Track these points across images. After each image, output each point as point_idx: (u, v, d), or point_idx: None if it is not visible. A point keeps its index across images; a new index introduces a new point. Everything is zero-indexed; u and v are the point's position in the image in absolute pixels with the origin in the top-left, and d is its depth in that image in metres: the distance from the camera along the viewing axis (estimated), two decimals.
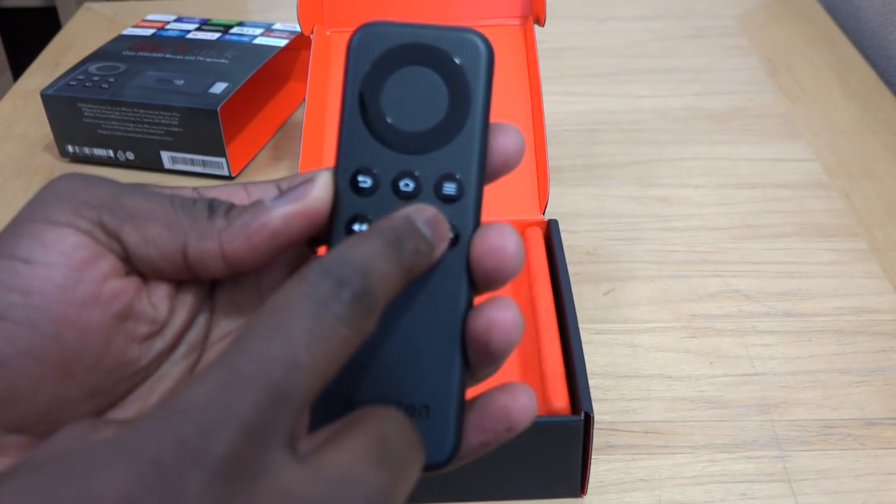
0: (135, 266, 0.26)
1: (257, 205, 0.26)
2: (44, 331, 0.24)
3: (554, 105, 0.80)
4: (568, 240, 0.64)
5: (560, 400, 0.45)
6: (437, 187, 0.26)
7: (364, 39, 0.27)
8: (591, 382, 0.53)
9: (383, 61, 0.26)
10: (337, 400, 0.26)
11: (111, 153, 0.74)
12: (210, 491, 0.18)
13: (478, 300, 0.27)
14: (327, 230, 0.26)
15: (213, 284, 0.28)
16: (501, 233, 0.26)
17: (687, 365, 0.55)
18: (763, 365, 0.55)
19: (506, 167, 0.27)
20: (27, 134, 0.81)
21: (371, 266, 0.22)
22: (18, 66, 1.22)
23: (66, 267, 0.24)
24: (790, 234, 0.65)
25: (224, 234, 0.26)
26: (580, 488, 0.47)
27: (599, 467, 0.49)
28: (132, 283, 0.26)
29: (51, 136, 0.77)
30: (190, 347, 0.28)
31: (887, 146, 0.75)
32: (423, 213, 0.25)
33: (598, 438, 0.50)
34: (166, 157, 0.73)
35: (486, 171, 0.27)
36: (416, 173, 0.26)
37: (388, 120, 0.26)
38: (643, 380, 0.54)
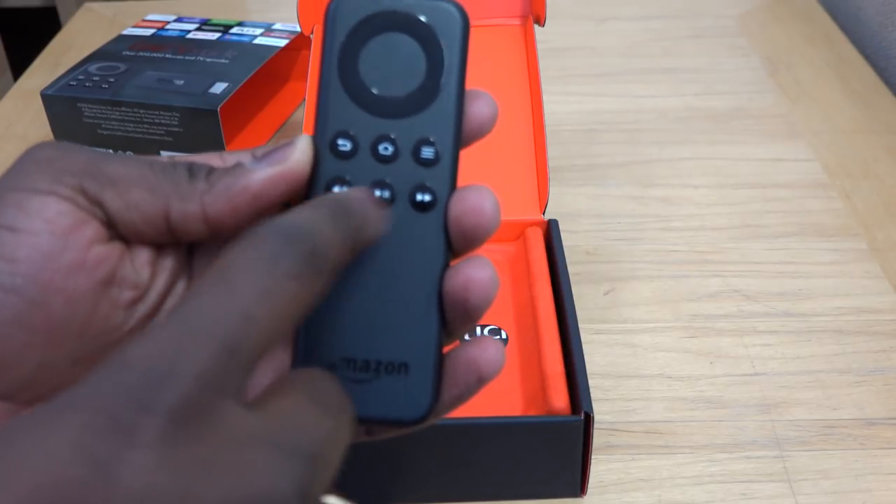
0: (117, 231, 0.26)
1: (238, 167, 0.26)
2: (31, 298, 0.24)
3: (554, 105, 0.80)
4: (568, 240, 0.64)
5: (560, 400, 0.45)
6: (415, 151, 0.26)
7: (342, 7, 0.27)
8: (591, 382, 0.53)
9: (360, 28, 0.27)
10: (317, 358, 0.26)
11: (111, 153, 0.74)
12: (163, 436, 0.18)
13: (456, 263, 0.27)
14: (307, 192, 0.27)
15: (190, 249, 0.29)
16: (479, 193, 0.27)
17: (687, 365, 0.55)
18: (763, 365, 0.55)
19: (479, 132, 0.28)
20: (27, 134, 0.81)
21: (319, 230, 0.23)
22: (18, 66, 1.22)
23: (51, 234, 0.24)
24: (790, 234, 0.65)
25: (206, 196, 0.26)
26: (580, 488, 0.47)
27: (599, 467, 0.49)
28: (116, 248, 0.26)
29: (51, 136, 0.77)
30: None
31: (887, 146, 0.75)
32: (362, 194, 0.26)
33: (598, 438, 0.50)
34: (167, 157, 0.73)
35: (462, 136, 0.27)
36: (394, 137, 0.27)
37: (367, 85, 0.27)
38: (643, 380, 0.54)
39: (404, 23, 0.27)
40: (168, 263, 0.28)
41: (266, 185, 0.26)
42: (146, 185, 0.26)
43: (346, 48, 0.27)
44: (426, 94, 0.26)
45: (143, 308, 0.27)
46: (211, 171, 0.26)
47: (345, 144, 0.27)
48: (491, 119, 0.28)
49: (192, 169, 0.27)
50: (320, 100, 0.27)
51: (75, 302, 0.25)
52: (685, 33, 0.93)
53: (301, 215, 0.24)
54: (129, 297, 0.27)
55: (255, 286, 0.21)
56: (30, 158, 0.25)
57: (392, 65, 0.27)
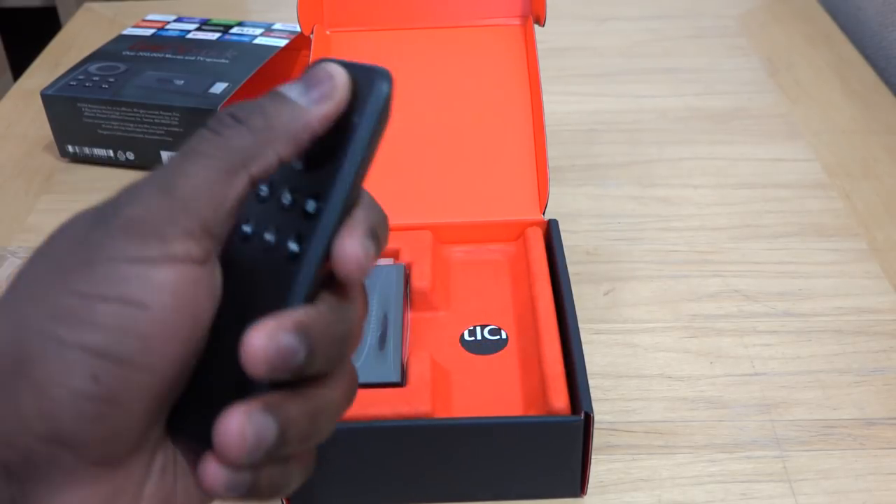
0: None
1: (290, 104, 0.27)
2: (160, 373, 0.25)
3: (554, 105, 0.80)
4: (568, 240, 0.64)
5: (560, 400, 0.45)
6: (303, 202, 0.27)
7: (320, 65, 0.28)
8: (591, 382, 0.53)
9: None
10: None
11: (111, 153, 0.74)
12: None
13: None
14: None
15: None
16: (353, 245, 0.27)
17: (687, 365, 0.55)
18: (763, 365, 0.55)
19: (344, 276, 0.27)
20: (27, 134, 0.81)
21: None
22: (18, 66, 1.22)
23: (177, 309, 0.25)
24: (790, 234, 0.65)
25: (268, 132, 0.26)
26: (580, 488, 0.47)
27: (599, 467, 0.49)
28: (218, 283, 0.27)
29: (51, 136, 0.77)
30: None
31: (887, 146, 0.75)
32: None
33: (598, 438, 0.50)
34: (166, 157, 0.73)
35: (350, 209, 0.28)
36: (297, 188, 0.28)
37: None
38: (643, 380, 0.54)
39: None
40: None
41: (323, 121, 0.27)
42: (222, 185, 0.26)
43: None
44: (334, 152, 0.27)
45: None
46: (256, 112, 0.27)
47: (263, 190, 0.28)
48: (357, 263, 0.27)
49: (237, 118, 0.27)
50: None
51: (188, 365, 0.26)
52: (685, 33, 0.93)
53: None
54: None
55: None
56: (132, 221, 0.25)
57: None
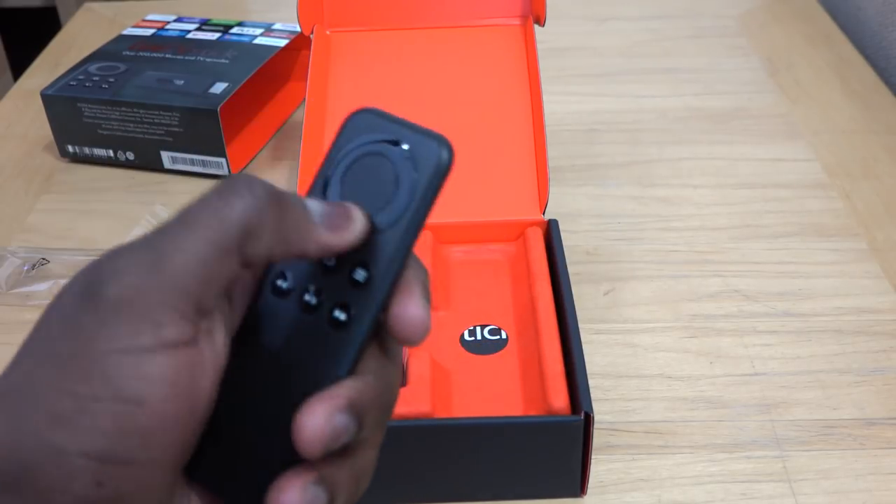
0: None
1: (306, 219, 0.26)
2: (165, 464, 0.24)
3: (554, 105, 0.80)
4: (568, 240, 0.64)
5: (560, 400, 0.45)
6: (351, 270, 0.27)
7: (354, 120, 0.28)
8: (591, 382, 0.53)
9: (360, 146, 0.28)
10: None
11: (111, 153, 0.74)
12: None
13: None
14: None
15: None
16: (416, 311, 0.26)
17: (687, 365, 0.55)
18: (763, 365, 0.55)
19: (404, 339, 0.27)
20: (27, 134, 0.81)
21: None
22: (18, 66, 1.22)
23: (175, 398, 0.24)
24: (790, 234, 0.65)
25: (279, 233, 0.26)
26: (580, 488, 0.47)
27: (599, 467, 0.49)
28: (213, 355, 0.26)
29: (51, 136, 0.77)
30: None
31: (887, 146, 0.75)
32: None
33: (598, 438, 0.50)
34: (166, 157, 0.73)
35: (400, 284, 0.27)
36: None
37: (344, 195, 0.28)
38: (643, 380, 0.54)
39: (394, 150, 0.27)
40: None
41: (325, 249, 0.26)
42: (217, 264, 0.25)
43: (341, 158, 0.28)
44: (384, 220, 0.27)
45: None
46: (277, 194, 0.26)
47: None
48: (423, 327, 0.27)
49: (251, 185, 0.26)
50: (309, 193, 0.28)
51: (188, 444, 0.25)
52: (685, 33, 0.93)
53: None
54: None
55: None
56: (107, 301, 0.23)
57: (371, 184, 0.27)
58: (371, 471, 0.28)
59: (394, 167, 0.27)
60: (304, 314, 0.27)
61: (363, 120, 0.28)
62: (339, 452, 0.26)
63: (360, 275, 0.26)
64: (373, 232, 0.27)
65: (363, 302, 0.26)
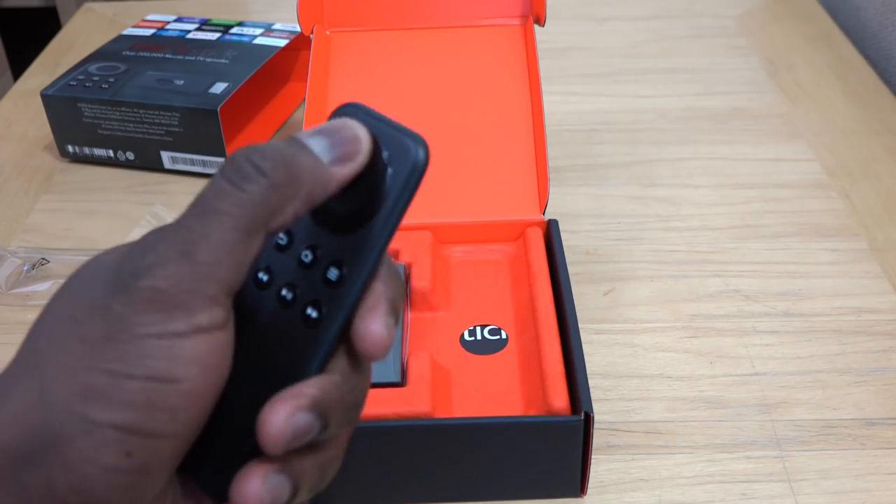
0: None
1: (311, 158, 0.26)
2: (187, 438, 0.25)
3: (554, 105, 0.80)
4: (568, 240, 0.64)
5: (560, 400, 0.45)
6: (326, 268, 0.27)
7: (342, 112, 0.28)
8: (591, 382, 0.53)
9: None
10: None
11: (111, 153, 0.74)
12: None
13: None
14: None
15: None
16: (377, 327, 0.27)
17: (687, 365, 0.55)
18: (763, 365, 0.55)
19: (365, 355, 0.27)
20: (27, 134, 0.81)
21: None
22: (18, 66, 1.22)
23: (205, 379, 0.25)
24: (790, 234, 0.65)
25: (295, 209, 0.26)
26: (580, 488, 0.47)
27: (599, 467, 0.49)
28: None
29: (51, 136, 0.77)
30: None
31: (887, 146, 0.75)
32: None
33: (598, 438, 0.50)
34: (166, 157, 0.73)
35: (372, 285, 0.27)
36: (318, 248, 0.27)
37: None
38: (643, 380, 0.54)
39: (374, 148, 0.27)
40: None
41: (341, 184, 0.26)
42: (242, 246, 0.25)
43: None
44: (359, 219, 0.27)
45: None
46: (283, 158, 0.26)
47: (282, 239, 0.28)
48: (381, 344, 0.27)
49: (258, 165, 0.25)
50: None
51: (208, 415, 0.26)
52: (685, 33, 0.93)
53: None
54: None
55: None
56: (140, 291, 0.24)
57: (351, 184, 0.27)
58: (337, 463, 0.29)
59: (375, 166, 0.27)
60: (281, 308, 0.27)
61: (347, 115, 0.28)
62: (305, 447, 0.26)
63: (332, 273, 0.27)
64: (352, 234, 0.27)
65: (334, 301, 0.26)
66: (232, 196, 0.25)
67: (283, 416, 0.25)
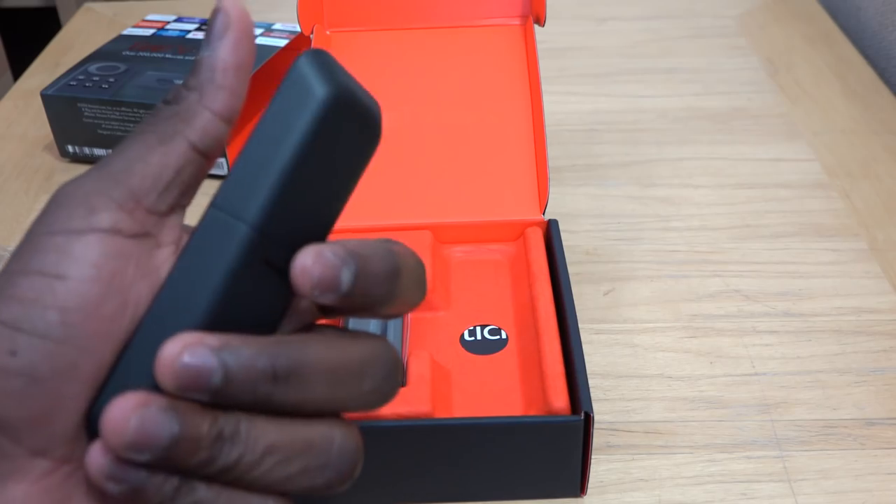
0: (159, 215, 0.26)
1: (202, 63, 0.27)
2: (82, 347, 0.24)
3: (554, 105, 0.80)
4: (568, 240, 0.64)
5: (560, 400, 0.45)
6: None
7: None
8: (591, 382, 0.53)
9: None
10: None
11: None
12: None
13: None
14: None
15: None
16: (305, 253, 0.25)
17: (687, 365, 0.55)
18: (763, 365, 0.55)
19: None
20: (27, 134, 0.81)
21: None
22: (18, 66, 1.22)
23: (98, 281, 0.24)
24: (790, 234, 0.65)
25: (203, 101, 0.27)
26: (580, 488, 0.47)
27: (599, 467, 0.49)
28: (159, 255, 0.26)
29: (51, 136, 0.77)
30: None
31: (887, 146, 0.75)
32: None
33: (598, 438, 0.50)
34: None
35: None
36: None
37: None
38: (643, 380, 0.54)
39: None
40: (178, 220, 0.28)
41: (236, 51, 0.27)
42: (157, 155, 0.26)
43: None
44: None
45: None
46: (184, 86, 0.27)
47: None
48: (300, 269, 0.25)
49: (169, 100, 0.27)
50: None
51: (117, 345, 0.25)
52: (685, 33, 0.93)
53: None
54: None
55: None
56: (62, 196, 0.25)
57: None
58: (312, 460, 0.25)
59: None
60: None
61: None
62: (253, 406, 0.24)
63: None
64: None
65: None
66: (146, 119, 0.27)
67: (180, 345, 0.23)
